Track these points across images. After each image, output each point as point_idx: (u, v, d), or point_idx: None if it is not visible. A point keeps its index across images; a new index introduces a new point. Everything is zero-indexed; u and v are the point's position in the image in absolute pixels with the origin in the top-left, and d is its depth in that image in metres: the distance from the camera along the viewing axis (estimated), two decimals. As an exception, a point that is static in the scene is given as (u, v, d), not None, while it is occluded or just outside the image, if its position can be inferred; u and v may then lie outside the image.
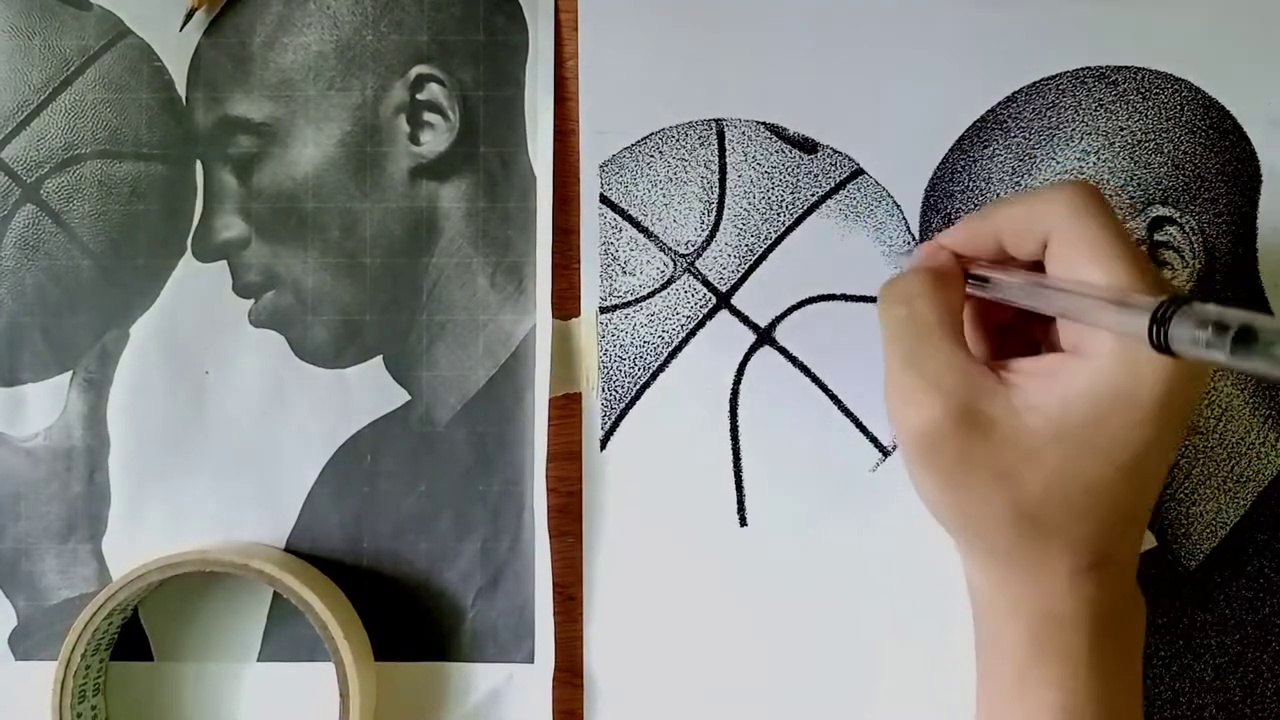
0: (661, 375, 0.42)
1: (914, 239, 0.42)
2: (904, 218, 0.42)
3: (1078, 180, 0.33)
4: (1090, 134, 0.42)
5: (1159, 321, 0.27)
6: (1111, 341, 0.31)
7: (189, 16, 0.43)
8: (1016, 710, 0.34)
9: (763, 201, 0.42)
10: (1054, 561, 0.32)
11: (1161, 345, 0.27)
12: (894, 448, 0.42)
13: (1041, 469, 0.32)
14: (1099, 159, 0.42)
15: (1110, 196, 0.42)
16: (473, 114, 0.43)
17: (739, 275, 0.42)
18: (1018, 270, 0.34)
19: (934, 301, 0.34)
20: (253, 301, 0.43)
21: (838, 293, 0.42)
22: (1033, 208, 0.33)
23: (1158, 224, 0.42)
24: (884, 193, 0.42)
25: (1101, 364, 0.31)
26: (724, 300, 0.42)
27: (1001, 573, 0.34)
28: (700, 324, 0.42)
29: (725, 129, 0.43)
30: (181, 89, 0.43)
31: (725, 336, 0.42)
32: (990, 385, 0.32)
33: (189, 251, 0.43)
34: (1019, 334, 0.38)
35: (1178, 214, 0.42)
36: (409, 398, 0.42)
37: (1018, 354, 0.35)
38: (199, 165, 0.43)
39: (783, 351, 0.42)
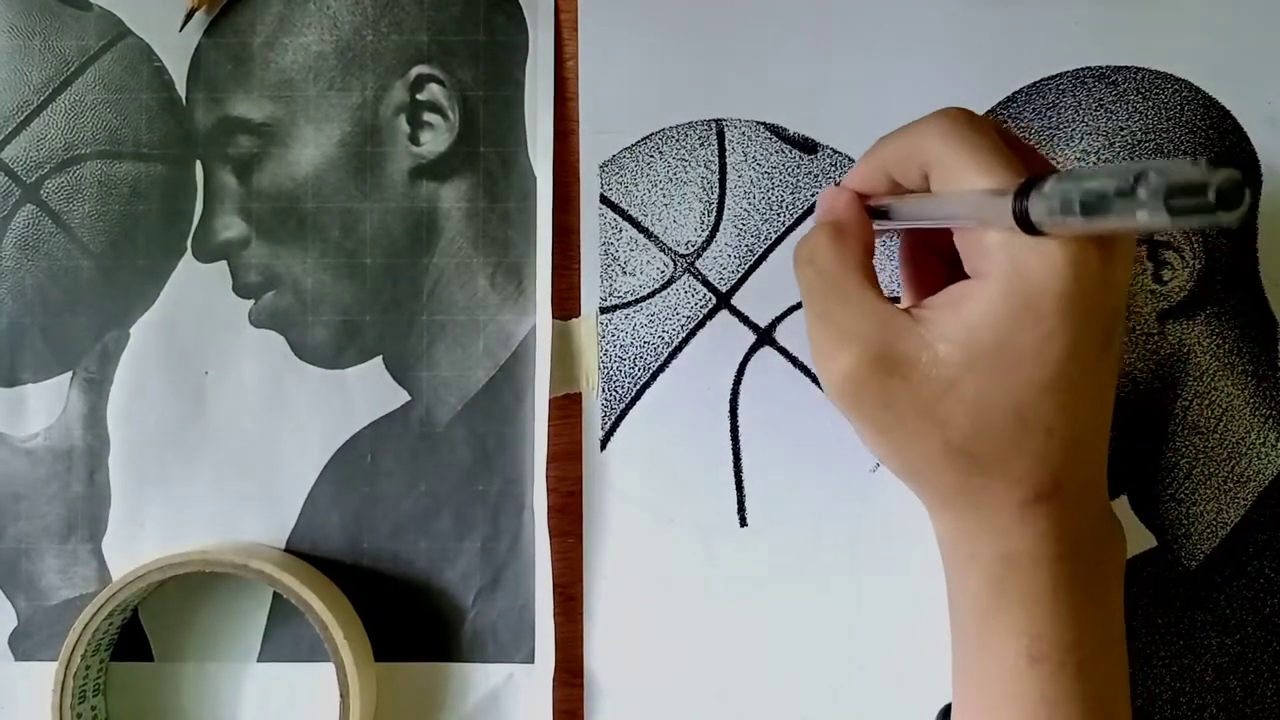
0: (661, 375, 0.42)
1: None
2: (904, 218, 0.42)
3: (950, 108, 0.33)
4: (1090, 134, 0.42)
5: (1018, 202, 0.28)
6: (1002, 255, 0.30)
7: (189, 16, 0.43)
8: (983, 658, 0.33)
9: (763, 201, 0.42)
10: (1000, 497, 0.32)
11: (1027, 225, 0.28)
12: (894, 448, 0.42)
13: (963, 401, 0.31)
14: (1099, 159, 0.42)
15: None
16: (473, 114, 0.43)
17: (739, 275, 0.42)
18: (911, 194, 0.34)
19: (836, 254, 0.34)
20: (253, 301, 0.43)
21: (838, 293, 0.42)
22: (909, 140, 0.34)
23: (1158, 224, 0.42)
24: (884, 193, 0.42)
25: (996, 280, 0.31)
26: (724, 300, 0.42)
27: (954, 518, 0.33)
28: (700, 324, 0.42)
29: (725, 129, 0.43)
30: (181, 89, 0.43)
31: (725, 336, 0.42)
32: (902, 324, 0.32)
33: (189, 251, 0.43)
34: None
35: (1178, 214, 0.42)
36: (409, 398, 0.42)
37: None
38: (199, 165, 0.43)
39: (783, 351, 0.42)
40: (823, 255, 0.34)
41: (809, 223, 0.42)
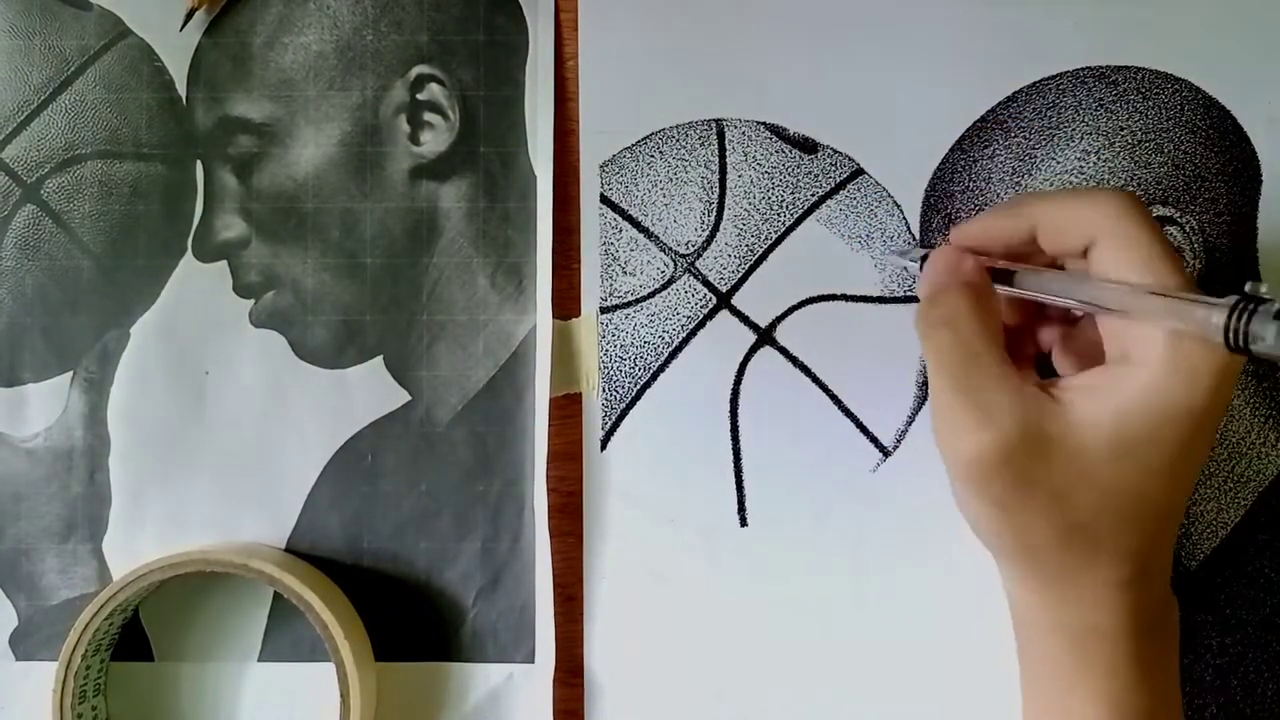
0: (661, 375, 0.42)
1: (914, 239, 0.42)
2: (904, 218, 0.42)
3: (1120, 189, 0.33)
4: (1090, 134, 0.42)
5: (1237, 318, 0.26)
6: (1162, 348, 0.30)
7: (189, 16, 0.43)
8: None
9: (763, 201, 0.42)
10: (1100, 574, 0.32)
11: (1238, 344, 0.27)
12: (894, 447, 0.42)
13: (1096, 484, 0.31)
14: (1099, 159, 0.42)
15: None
16: (473, 114, 0.43)
17: (739, 275, 0.42)
18: (1052, 270, 0.34)
19: (978, 322, 0.33)
20: (253, 301, 0.43)
21: (838, 293, 0.42)
22: (1077, 208, 0.33)
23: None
24: (884, 193, 0.42)
25: (1154, 372, 0.30)
26: (724, 300, 0.42)
27: (1046, 589, 0.33)
28: (700, 324, 0.42)
29: (725, 129, 0.43)
30: (181, 89, 0.43)
31: (725, 336, 0.42)
32: (1046, 405, 0.32)
33: (189, 251, 0.43)
34: (1017, 342, 0.38)
35: (1178, 214, 0.42)
36: (409, 398, 0.42)
37: (1029, 360, 0.34)
38: (199, 165, 0.43)
39: (783, 351, 0.42)
40: (963, 322, 0.33)
41: (805, 231, 0.42)
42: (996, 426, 0.31)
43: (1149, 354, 0.31)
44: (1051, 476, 0.31)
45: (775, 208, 0.42)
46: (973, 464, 0.32)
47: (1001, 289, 0.35)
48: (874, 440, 0.42)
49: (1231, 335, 0.27)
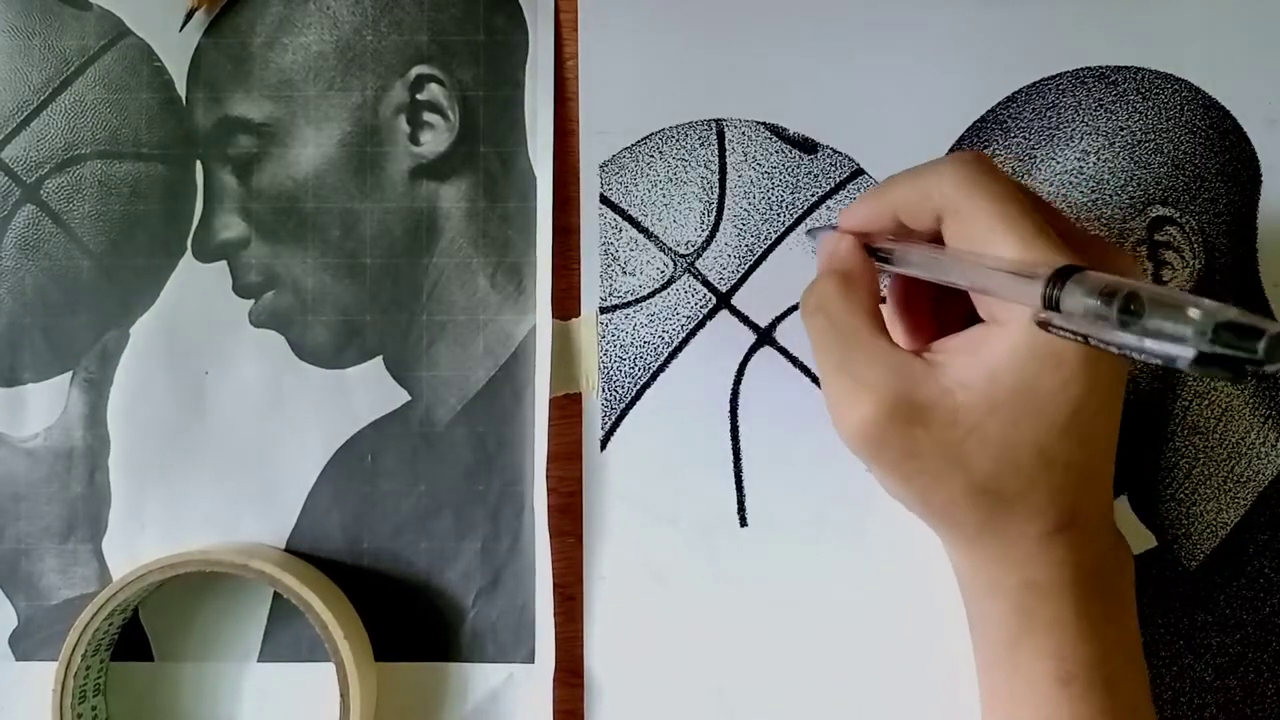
0: (661, 375, 0.42)
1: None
2: (904, 218, 0.42)
3: (966, 152, 0.33)
4: (1090, 134, 0.42)
5: (1049, 295, 0.27)
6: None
7: (189, 16, 0.43)
8: (1013, 683, 0.34)
9: (763, 201, 0.42)
10: (1021, 529, 0.33)
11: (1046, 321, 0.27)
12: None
13: (986, 443, 0.32)
14: (1099, 159, 0.42)
15: (1110, 196, 0.42)
16: (473, 114, 0.43)
17: (739, 275, 0.42)
18: (921, 244, 0.34)
19: (847, 304, 0.34)
20: (253, 301, 0.43)
21: (838, 293, 0.42)
22: (923, 183, 0.33)
23: (1158, 224, 0.42)
24: (884, 193, 0.42)
25: (1019, 329, 0.31)
26: (724, 300, 0.42)
27: (976, 551, 0.34)
28: (700, 324, 0.42)
29: (725, 129, 0.43)
30: (181, 89, 0.43)
31: (725, 336, 0.42)
32: (919, 372, 0.32)
33: (189, 251, 0.43)
34: (956, 302, 0.38)
35: (1178, 214, 0.42)
36: (409, 398, 0.42)
37: (960, 321, 0.34)
38: (199, 165, 0.43)
39: (783, 351, 0.42)
40: (832, 305, 0.34)
41: (801, 230, 0.42)
42: (874, 397, 0.32)
43: (1013, 312, 0.31)
44: (938, 437, 0.32)
45: (775, 208, 0.42)
46: (860, 436, 0.33)
47: (884, 268, 0.36)
48: (874, 440, 0.42)
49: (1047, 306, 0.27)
